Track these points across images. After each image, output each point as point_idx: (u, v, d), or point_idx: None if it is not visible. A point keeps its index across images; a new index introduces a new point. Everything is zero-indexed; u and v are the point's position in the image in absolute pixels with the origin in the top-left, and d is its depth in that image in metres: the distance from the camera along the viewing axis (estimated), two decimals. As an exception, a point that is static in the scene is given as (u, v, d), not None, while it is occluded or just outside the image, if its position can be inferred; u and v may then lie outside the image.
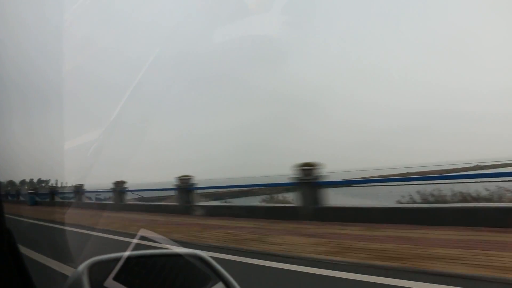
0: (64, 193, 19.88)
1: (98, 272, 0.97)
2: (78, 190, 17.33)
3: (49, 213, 13.57)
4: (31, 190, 22.19)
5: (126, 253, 1.09)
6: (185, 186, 10.86)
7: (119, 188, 14.05)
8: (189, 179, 10.92)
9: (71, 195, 18.27)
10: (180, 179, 10.93)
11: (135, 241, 5.71)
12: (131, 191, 14.35)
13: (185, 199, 10.82)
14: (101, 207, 15.64)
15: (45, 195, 21.07)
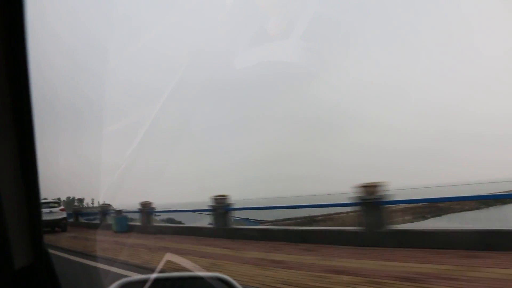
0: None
1: None
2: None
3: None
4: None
5: (153, 275, 1.15)
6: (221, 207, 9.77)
7: (147, 208, 13.17)
8: (225, 199, 9.85)
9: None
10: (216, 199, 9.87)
11: (161, 264, 5.62)
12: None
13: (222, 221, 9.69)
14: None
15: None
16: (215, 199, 9.81)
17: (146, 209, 13.09)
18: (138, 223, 14.36)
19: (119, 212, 14.48)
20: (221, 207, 9.68)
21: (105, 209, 16.72)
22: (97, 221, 17.45)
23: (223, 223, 9.62)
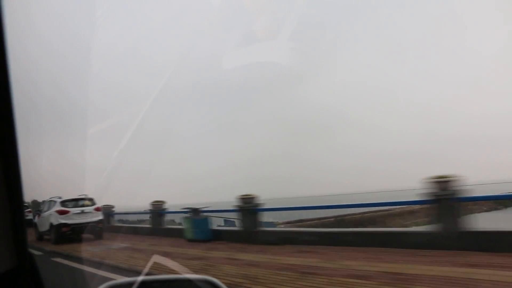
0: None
1: None
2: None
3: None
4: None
5: (140, 278, 1.09)
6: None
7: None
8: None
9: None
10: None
11: (148, 266, 5.32)
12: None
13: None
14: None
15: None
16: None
17: (250, 207, 8.82)
18: (227, 227, 10.14)
19: (196, 212, 10.07)
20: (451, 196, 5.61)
21: (158, 209, 12.28)
22: (145, 225, 12.95)
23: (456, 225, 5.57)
